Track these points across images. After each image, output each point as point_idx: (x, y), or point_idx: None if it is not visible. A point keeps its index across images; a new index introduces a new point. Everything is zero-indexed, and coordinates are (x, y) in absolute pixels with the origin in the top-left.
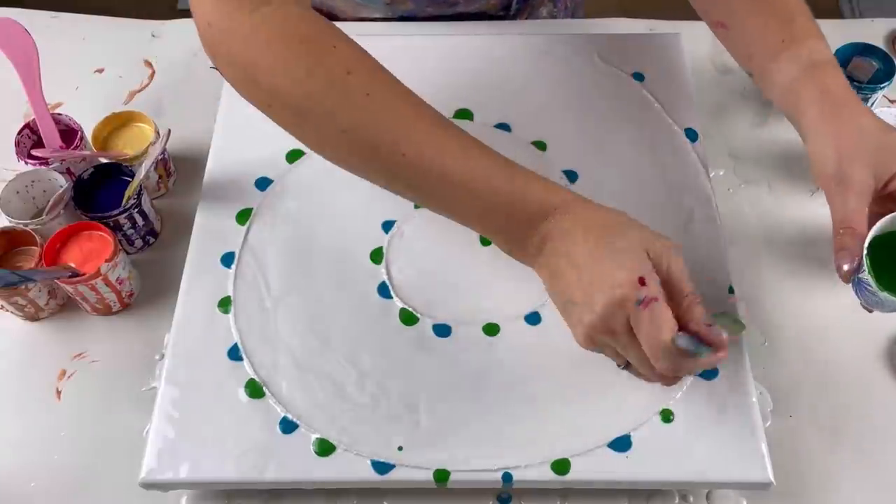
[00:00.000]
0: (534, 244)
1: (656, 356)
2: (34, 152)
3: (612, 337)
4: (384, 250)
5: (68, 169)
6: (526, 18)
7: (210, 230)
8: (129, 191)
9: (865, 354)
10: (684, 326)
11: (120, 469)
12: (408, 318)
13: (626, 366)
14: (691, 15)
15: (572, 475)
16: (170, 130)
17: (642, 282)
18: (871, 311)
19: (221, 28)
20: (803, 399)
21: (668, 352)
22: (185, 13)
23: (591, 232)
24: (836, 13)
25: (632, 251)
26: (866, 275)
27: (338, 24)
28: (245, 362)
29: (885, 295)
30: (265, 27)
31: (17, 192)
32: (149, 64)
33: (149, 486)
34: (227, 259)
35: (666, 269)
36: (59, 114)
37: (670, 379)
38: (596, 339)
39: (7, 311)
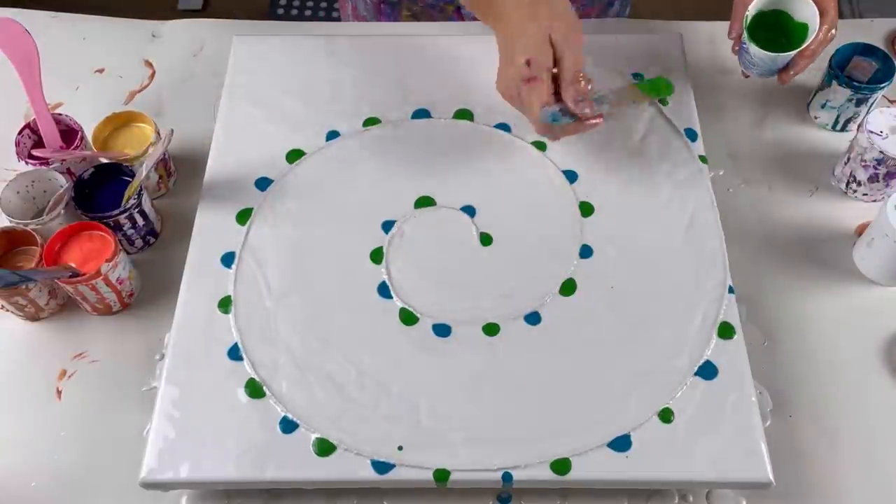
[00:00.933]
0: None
1: (532, 122)
2: (34, 152)
3: (515, 103)
4: (384, 250)
5: (68, 169)
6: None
7: (210, 230)
8: (130, 191)
9: (865, 354)
10: (561, 101)
11: (120, 469)
12: (408, 318)
13: None
14: (691, 15)
15: (572, 475)
16: (172, 131)
17: (529, 63)
18: (747, 77)
19: None
20: (803, 399)
21: (538, 122)
22: (185, 13)
23: (525, 7)
24: None
25: (536, 37)
26: (745, 37)
27: (338, 24)
28: (245, 362)
29: (755, 49)
30: None
31: (18, 192)
32: (149, 64)
33: (149, 485)
34: (227, 259)
35: (561, 53)
36: (60, 114)
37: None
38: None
39: (7, 311)
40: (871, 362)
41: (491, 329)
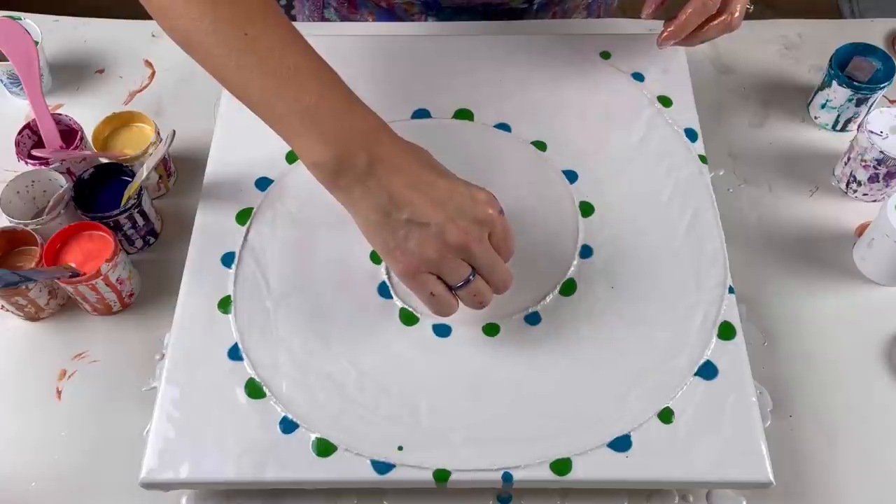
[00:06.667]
0: (361, 164)
1: (511, 255)
2: (34, 152)
3: (477, 248)
4: None
5: (68, 169)
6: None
7: (210, 230)
8: (129, 191)
9: (865, 354)
10: None
11: (120, 469)
12: (408, 318)
13: (462, 286)
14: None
15: (572, 475)
16: (174, 132)
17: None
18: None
19: None
20: (803, 399)
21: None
22: None
23: (427, 160)
24: (836, 13)
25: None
26: None
27: (335, 25)
28: (245, 362)
29: None
30: None
31: (18, 193)
32: (149, 64)
33: (149, 485)
34: (227, 259)
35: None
36: (60, 114)
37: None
38: (444, 259)
39: (7, 311)
40: (871, 362)
41: (491, 329)
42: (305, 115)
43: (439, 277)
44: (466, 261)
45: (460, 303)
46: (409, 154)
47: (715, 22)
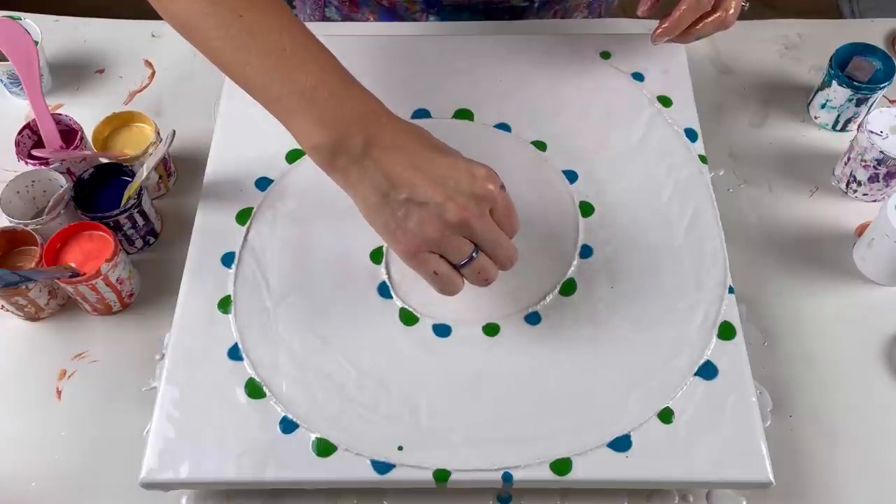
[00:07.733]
0: (357, 146)
1: (515, 231)
2: (34, 152)
3: (478, 224)
4: (384, 250)
5: (68, 169)
6: (555, 16)
7: (210, 230)
8: (129, 191)
9: (865, 354)
10: None
11: (120, 469)
12: (408, 318)
13: (466, 264)
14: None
15: (572, 475)
16: (174, 132)
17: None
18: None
19: None
20: (803, 399)
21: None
22: None
23: (427, 139)
24: (836, 13)
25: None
26: None
27: (335, 25)
28: (245, 362)
29: None
30: None
31: (18, 192)
32: (149, 64)
33: (149, 485)
34: (227, 259)
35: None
36: (60, 114)
37: (505, 266)
38: (445, 237)
39: (7, 311)
40: (871, 362)
41: (491, 329)
42: (303, 97)
43: (443, 256)
44: (468, 238)
45: (465, 301)
46: (408, 134)
47: (709, 19)
